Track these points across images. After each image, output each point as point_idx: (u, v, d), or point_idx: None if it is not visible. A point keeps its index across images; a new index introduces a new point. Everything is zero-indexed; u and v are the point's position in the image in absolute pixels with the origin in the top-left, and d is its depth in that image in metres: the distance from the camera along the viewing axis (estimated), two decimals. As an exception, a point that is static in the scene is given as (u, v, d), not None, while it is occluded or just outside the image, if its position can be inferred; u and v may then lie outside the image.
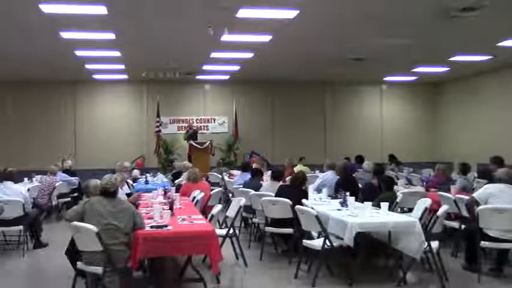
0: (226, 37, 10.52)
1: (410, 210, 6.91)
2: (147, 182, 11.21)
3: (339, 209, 6.39)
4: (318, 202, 7.35)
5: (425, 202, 6.35)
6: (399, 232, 5.70)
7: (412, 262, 5.87)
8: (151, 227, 5.29)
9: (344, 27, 10.43)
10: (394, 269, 6.08)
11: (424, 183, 9.80)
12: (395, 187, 7.63)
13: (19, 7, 8.66)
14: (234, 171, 13.20)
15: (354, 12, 9.33)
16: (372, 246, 6.22)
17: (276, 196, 7.24)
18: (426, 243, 5.58)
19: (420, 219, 5.88)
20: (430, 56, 13.65)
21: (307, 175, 11.84)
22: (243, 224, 9.00)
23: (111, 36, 10.61)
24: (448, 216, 7.02)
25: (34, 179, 11.39)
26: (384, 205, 6.13)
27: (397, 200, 6.96)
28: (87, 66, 14.37)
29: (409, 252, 5.67)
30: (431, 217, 5.95)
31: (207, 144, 15.28)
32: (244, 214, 8.20)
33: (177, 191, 8.62)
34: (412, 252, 5.62)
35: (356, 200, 6.54)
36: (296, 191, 7.21)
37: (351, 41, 11.67)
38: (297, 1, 8.52)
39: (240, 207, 6.91)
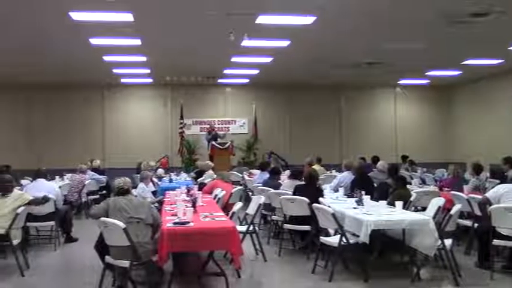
0: (246, 42, 10.74)
1: (424, 209, 7.02)
2: (171, 181, 11.45)
3: (354, 207, 6.50)
4: (335, 200, 7.51)
5: (438, 201, 6.44)
6: (413, 230, 5.78)
7: (425, 259, 5.94)
8: (175, 223, 5.40)
9: (359, 32, 10.56)
10: (409, 266, 6.12)
11: (438, 183, 9.89)
12: (409, 186, 7.76)
13: (50, 15, 8.98)
14: (254, 171, 13.42)
15: (369, 18, 9.45)
16: (386, 243, 6.32)
17: (293, 195, 7.42)
18: (440, 241, 5.64)
19: (434, 217, 5.97)
20: (442, 60, 13.73)
21: (323, 175, 12.16)
22: (262, 221, 9.18)
23: (137, 42, 10.87)
24: (461, 215, 7.11)
25: (65, 177, 11.77)
26: (399, 204, 6.22)
27: (411, 198, 7.04)
28: (115, 70, 14.70)
29: (423, 249, 5.73)
30: (444, 215, 6.04)
31: (228, 144, 15.54)
32: (263, 211, 8.37)
33: (199, 189, 8.82)
34: (426, 250, 5.68)
35: (371, 199, 6.65)
36: (311, 189, 7.39)
37: (366, 46, 11.81)
38: (315, 7, 8.67)
39: (260, 205, 7.08)
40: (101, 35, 10.36)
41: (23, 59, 12.80)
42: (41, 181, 8.34)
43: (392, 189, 7.26)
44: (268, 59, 13.25)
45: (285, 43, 11.27)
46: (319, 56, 12.97)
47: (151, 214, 5.46)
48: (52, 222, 7.94)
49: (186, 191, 8.04)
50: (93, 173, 12.01)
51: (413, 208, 7.12)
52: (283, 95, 18.45)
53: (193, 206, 6.37)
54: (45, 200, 7.34)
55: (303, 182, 7.88)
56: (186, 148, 17.27)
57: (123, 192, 5.58)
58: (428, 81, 17.82)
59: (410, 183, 8.73)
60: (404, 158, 15.21)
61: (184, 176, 12.66)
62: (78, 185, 10.56)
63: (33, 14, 8.88)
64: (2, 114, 17.39)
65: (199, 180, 11.41)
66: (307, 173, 7.84)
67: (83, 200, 10.71)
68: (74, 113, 17.57)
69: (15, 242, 6.37)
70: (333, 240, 6.11)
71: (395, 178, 7.51)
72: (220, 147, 15.31)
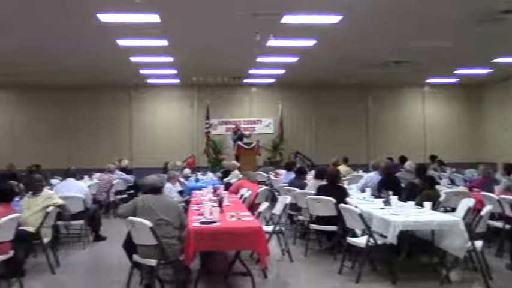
0: (272, 42, 10.74)
1: (453, 209, 6.94)
2: (197, 180, 11.54)
3: (382, 208, 6.46)
4: (362, 201, 7.47)
5: (468, 202, 6.35)
6: (443, 231, 5.71)
7: (455, 261, 5.86)
8: (201, 222, 5.43)
9: (387, 31, 10.44)
10: (438, 268, 6.06)
11: (467, 183, 9.72)
12: (437, 187, 7.65)
13: (78, 18, 9.10)
14: (280, 171, 13.41)
15: (396, 17, 9.35)
16: (415, 245, 6.25)
17: (316, 195, 7.38)
18: (470, 243, 5.56)
19: (464, 218, 5.88)
20: (472, 58, 13.48)
21: (350, 175, 12.08)
22: (288, 221, 9.15)
23: (164, 42, 10.96)
24: (492, 216, 6.96)
25: (93, 176, 11.96)
26: (427, 204, 6.16)
27: (441, 199, 6.96)
28: (142, 71, 14.86)
29: (452, 251, 5.67)
30: (474, 216, 5.95)
31: (254, 144, 15.57)
32: (289, 212, 8.37)
33: (225, 189, 8.87)
34: (456, 251, 5.61)
35: (399, 200, 6.58)
36: (334, 188, 7.33)
37: (393, 44, 11.68)
38: (341, 6, 8.62)
39: (286, 205, 7.08)
40: (128, 36, 10.47)
41: (53, 60, 13.08)
42: (70, 181, 8.50)
43: (420, 190, 7.16)
44: (294, 59, 13.22)
45: (311, 42, 11.22)
46: (346, 55, 12.88)
47: (179, 216, 5.48)
48: (81, 221, 8.07)
49: (212, 190, 8.09)
50: (121, 172, 12.18)
51: (442, 209, 7.03)
52: (309, 94, 18.37)
53: (220, 205, 6.39)
54: (69, 213, 7.35)
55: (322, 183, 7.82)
56: (212, 148, 17.36)
57: (156, 190, 5.57)
58: (458, 79, 17.51)
59: (439, 184, 8.59)
60: (433, 158, 15.00)
61: (210, 176, 12.72)
62: (106, 184, 10.71)
63: (61, 17, 9.04)
64: (34, 115, 17.77)
65: (225, 180, 11.45)
66: (328, 173, 7.79)
67: (111, 199, 10.84)
68: (102, 114, 17.85)
69: (46, 240, 6.51)
70: (360, 240, 6.07)
71: (423, 178, 7.41)
72: (246, 147, 15.34)
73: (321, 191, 7.42)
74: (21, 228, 6.06)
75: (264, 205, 6.88)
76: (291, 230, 8.78)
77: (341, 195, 7.10)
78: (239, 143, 15.47)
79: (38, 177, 7.05)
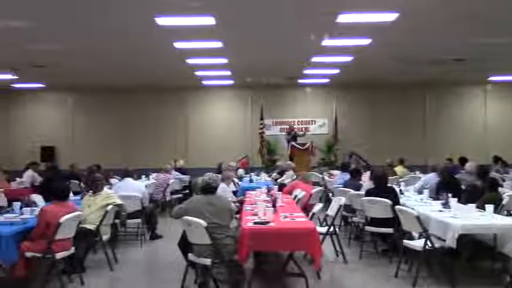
0: (326, 42, 10.63)
1: (517, 213, 6.65)
2: (251, 181, 11.62)
3: (440, 210, 6.30)
4: (419, 203, 7.30)
5: (534, 205, 6.12)
6: (506, 235, 5.50)
7: None
8: (255, 223, 5.45)
9: (444, 28, 10.10)
10: (501, 274, 5.85)
11: (533, 185, 9.28)
12: (500, 189, 7.34)
13: (136, 22, 9.37)
14: (334, 171, 13.27)
15: (455, 13, 9.01)
16: (476, 249, 6.01)
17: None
18: None
19: (529, 222, 5.66)
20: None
21: (407, 176, 11.79)
22: (342, 223, 9.06)
23: (218, 44, 11.07)
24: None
25: (151, 176, 12.27)
26: (489, 207, 5.94)
27: (503, 202, 6.70)
28: (197, 73, 15.07)
29: (517, 256, 5.43)
30: (541, 221, 5.71)
31: (308, 145, 15.48)
32: (344, 213, 8.28)
33: (279, 189, 8.88)
34: (520, 257, 5.38)
35: (458, 202, 6.39)
36: (383, 191, 7.15)
37: (452, 42, 11.28)
38: (397, 4, 8.43)
39: (340, 206, 7.02)
40: (185, 39, 10.65)
41: (111, 63, 13.52)
42: (129, 180, 8.75)
43: (481, 192, 6.89)
44: (349, 58, 13.04)
45: (366, 41, 11.03)
46: (402, 54, 12.56)
47: (231, 217, 5.53)
48: (139, 220, 8.29)
49: (266, 191, 8.11)
50: (177, 172, 12.42)
51: (505, 212, 6.73)
52: (364, 94, 18.06)
53: (274, 206, 6.38)
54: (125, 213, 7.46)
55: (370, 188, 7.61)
56: (266, 148, 17.41)
57: (211, 190, 5.59)
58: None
59: (501, 186, 8.23)
60: (496, 159, 14.38)
61: (264, 176, 12.75)
62: (163, 184, 10.96)
63: (120, 20, 9.30)
64: (93, 116, 18.41)
65: (279, 180, 11.45)
66: (375, 175, 7.58)
67: (167, 198, 11.08)
68: (159, 115, 18.20)
69: (105, 238, 6.72)
70: (417, 243, 5.94)
71: (485, 180, 7.13)
72: (300, 147, 15.28)
73: (369, 195, 7.25)
74: (82, 226, 6.28)
75: (318, 206, 6.84)
76: (346, 231, 8.70)
77: (391, 197, 6.94)
78: (293, 143, 15.43)
79: (98, 176, 7.29)
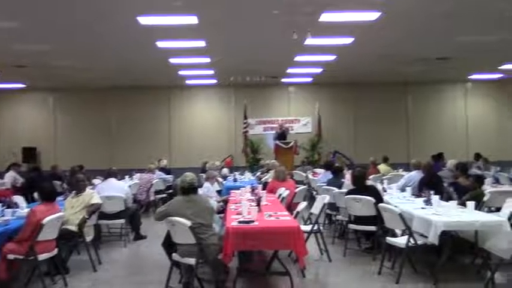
0: (309, 41, 10.65)
1: (498, 209, 6.73)
2: (235, 180, 11.61)
3: (423, 208, 6.34)
4: (402, 200, 7.34)
5: (514, 201, 6.18)
6: (487, 231, 5.57)
7: (501, 262, 5.62)
8: (240, 222, 5.44)
9: (427, 27, 10.22)
10: (482, 269, 5.93)
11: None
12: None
13: (119, 21, 9.32)
14: (318, 170, 13.33)
15: (437, 12, 9.11)
16: (457, 245, 6.10)
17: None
18: None
19: (509, 218, 5.68)
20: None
21: (390, 174, 11.86)
22: (327, 221, 9.10)
23: (201, 43, 11.06)
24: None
25: (134, 176, 12.19)
26: (470, 204, 6.01)
27: (485, 199, 6.77)
28: (180, 72, 15.02)
29: (497, 252, 5.48)
30: (520, 216, 5.76)
31: (292, 143, 15.53)
32: (328, 211, 8.32)
33: (263, 188, 8.87)
34: (501, 252, 5.42)
35: (441, 199, 6.45)
36: (363, 190, 7.15)
37: (435, 40, 11.40)
38: (380, 3, 8.49)
39: (324, 204, 7.03)
40: (167, 38, 10.61)
41: (94, 63, 13.42)
42: (112, 181, 8.67)
43: (464, 189, 6.97)
44: (332, 57, 13.11)
45: (348, 40, 11.10)
46: (385, 53, 12.67)
47: (212, 218, 5.52)
48: (122, 220, 8.23)
49: (250, 190, 8.10)
50: (160, 172, 12.35)
51: (486, 209, 6.82)
52: (347, 93, 18.19)
53: (258, 205, 6.38)
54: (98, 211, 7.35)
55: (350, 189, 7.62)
56: (250, 148, 17.42)
57: (191, 190, 5.55)
58: (502, 75, 16.93)
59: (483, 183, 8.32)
60: (478, 156, 14.55)
61: (248, 175, 12.75)
62: (146, 184, 10.89)
63: (102, 20, 9.26)
64: (76, 116, 18.23)
65: (262, 179, 11.46)
66: (353, 177, 7.56)
67: (151, 198, 11.02)
68: (142, 115, 18.12)
69: (88, 238, 6.67)
70: (400, 241, 5.98)
71: (473, 177, 7.21)
72: (284, 146, 15.32)
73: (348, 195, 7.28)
74: (65, 227, 6.22)
75: (302, 204, 6.84)
76: (330, 230, 8.73)
77: (373, 195, 6.98)
78: (277, 142, 15.48)
79: (81, 177, 7.23)
